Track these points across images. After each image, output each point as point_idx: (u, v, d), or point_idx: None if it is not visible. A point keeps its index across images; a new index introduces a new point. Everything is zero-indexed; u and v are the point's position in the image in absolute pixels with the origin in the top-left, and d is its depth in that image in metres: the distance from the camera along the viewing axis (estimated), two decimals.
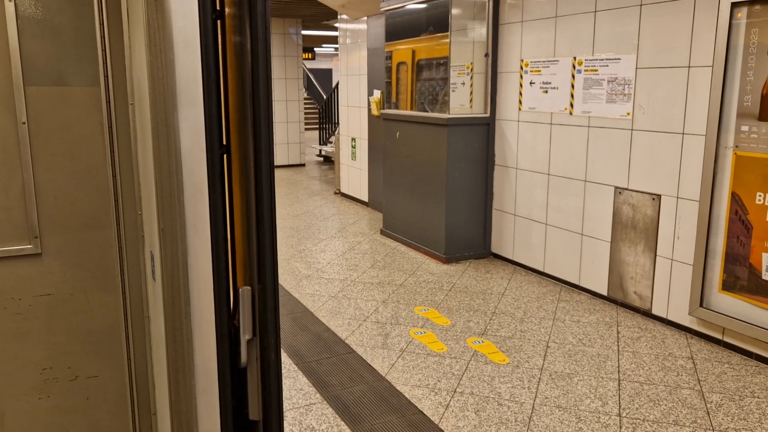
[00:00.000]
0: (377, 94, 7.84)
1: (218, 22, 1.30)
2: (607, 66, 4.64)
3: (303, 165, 12.84)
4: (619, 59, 4.54)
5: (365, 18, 8.29)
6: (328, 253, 6.29)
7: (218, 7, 1.29)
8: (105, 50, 1.98)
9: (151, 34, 1.33)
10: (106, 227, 2.11)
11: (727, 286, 3.87)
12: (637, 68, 4.42)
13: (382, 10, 6.87)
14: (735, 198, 3.78)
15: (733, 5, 3.67)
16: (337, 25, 9.95)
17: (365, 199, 8.72)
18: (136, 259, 2.13)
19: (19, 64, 1.93)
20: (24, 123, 1.97)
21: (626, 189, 4.58)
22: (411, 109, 6.65)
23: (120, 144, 2.05)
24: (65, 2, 1.96)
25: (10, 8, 1.90)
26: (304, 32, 14.48)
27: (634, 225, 4.55)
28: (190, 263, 1.28)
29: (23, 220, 2.02)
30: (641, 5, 4.34)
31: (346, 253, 6.29)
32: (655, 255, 4.41)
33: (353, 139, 8.95)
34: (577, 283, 5.12)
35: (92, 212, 2.09)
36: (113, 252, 2.12)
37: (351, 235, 7.06)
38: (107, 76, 2.00)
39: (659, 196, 4.34)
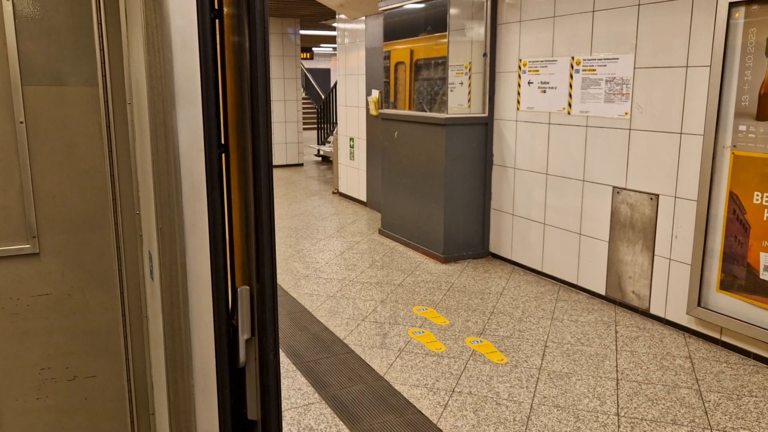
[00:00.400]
0: (375, 93, 7.84)
1: (216, 21, 1.29)
2: (605, 66, 4.65)
3: (301, 165, 12.83)
4: (617, 59, 4.54)
5: (363, 18, 8.29)
6: (327, 253, 6.28)
7: (216, 7, 1.29)
8: (103, 50, 1.97)
9: (149, 33, 1.33)
10: (105, 227, 2.10)
11: (725, 285, 3.88)
12: (635, 68, 4.42)
13: (380, 9, 6.87)
14: (733, 197, 3.79)
15: (731, 5, 3.68)
16: (335, 24, 9.95)
17: (363, 198, 8.72)
18: (134, 259, 2.13)
19: (16, 64, 1.93)
20: (22, 123, 1.97)
21: (624, 189, 4.59)
22: (409, 108, 6.64)
23: (118, 144, 2.05)
24: (63, 2, 1.96)
25: (8, 8, 1.90)
26: (302, 32, 14.48)
27: (632, 224, 4.55)
28: (188, 263, 1.27)
29: (21, 220, 2.02)
30: (639, 5, 4.35)
31: (344, 253, 6.29)
32: (653, 254, 4.41)
33: (351, 139, 8.95)
34: (575, 282, 5.12)
35: (90, 212, 2.09)
36: (111, 252, 2.12)
37: (349, 235, 7.06)
38: (105, 76, 2.00)
39: (657, 195, 4.34)
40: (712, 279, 3.96)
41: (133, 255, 2.12)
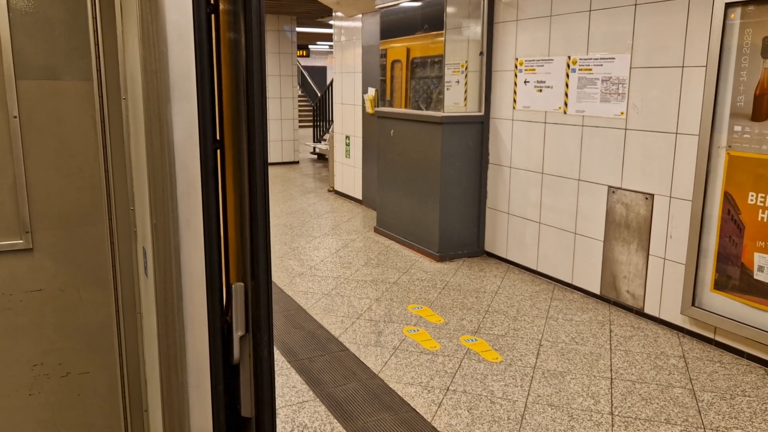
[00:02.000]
0: (372, 91, 7.83)
1: (212, 16, 1.29)
2: (602, 65, 4.65)
3: (297, 162, 12.82)
4: (614, 59, 4.55)
5: (360, 15, 8.27)
6: (322, 251, 6.28)
7: (212, 2, 1.28)
8: (98, 44, 1.96)
9: (145, 28, 1.32)
10: (98, 223, 2.09)
11: (719, 285, 3.89)
12: (631, 68, 4.43)
13: (377, 7, 6.86)
14: (727, 197, 3.80)
15: (727, 6, 3.69)
16: (331, 22, 9.93)
17: (359, 197, 8.71)
18: (128, 255, 2.12)
19: (10, 58, 1.92)
20: (15, 117, 1.95)
21: (620, 188, 4.60)
22: (405, 107, 6.64)
23: (112, 139, 2.04)
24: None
25: (1, 1, 1.88)
26: (298, 29, 14.45)
27: (627, 224, 4.56)
28: (182, 259, 1.27)
29: (14, 216, 2.00)
30: (636, 5, 4.35)
31: (339, 251, 6.28)
32: (648, 254, 4.42)
33: (347, 137, 8.94)
34: (570, 281, 5.13)
35: (84, 207, 2.08)
36: (105, 248, 2.11)
37: (345, 233, 7.05)
38: (100, 71, 1.98)
39: (652, 195, 4.35)
40: (707, 279, 3.97)
41: (127, 251, 2.11)
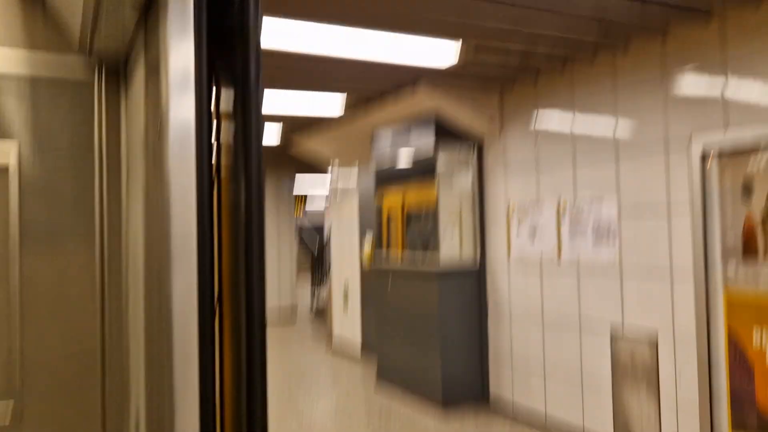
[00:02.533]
0: (367, 246, 7.94)
1: (215, 179, 1.35)
2: (590, 216, 4.79)
3: (294, 322, 12.69)
4: (601, 205, 4.69)
5: (356, 168, 8.54)
6: (321, 412, 6.03)
7: (214, 162, 1.35)
8: (102, 218, 2.04)
9: (149, 193, 1.38)
10: (93, 388, 2.04)
11: (737, 426, 3.71)
12: (620, 216, 4.54)
13: (372, 171, 7.13)
14: (732, 336, 3.74)
15: (703, 158, 3.88)
16: (327, 175, 10.22)
17: (357, 354, 8.52)
18: (120, 421, 2.04)
19: (17, 228, 1.97)
20: (17, 286, 1.97)
21: (622, 332, 4.53)
22: (401, 259, 6.71)
23: (111, 306, 2.04)
24: (67, 170, 2.05)
25: (14, 181, 1.97)
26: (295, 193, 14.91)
27: (634, 367, 4.44)
28: (176, 423, 1.23)
29: (5, 386, 1.95)
30: (618, 159, 4.57)
31: (338, 413, 6.03)
32: (659, 399, 4.26)
33: (345, 292, 8.93)
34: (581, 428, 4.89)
35: (78, 380, 2.03)
36: (97, 420, 2.03)
37: (344, 395, 6.81)
38: (103, 243, 2.04)
39: (656, 338, 4.28)
40: (722, 420, 3.79)
41: (119, 417, 2.04)
